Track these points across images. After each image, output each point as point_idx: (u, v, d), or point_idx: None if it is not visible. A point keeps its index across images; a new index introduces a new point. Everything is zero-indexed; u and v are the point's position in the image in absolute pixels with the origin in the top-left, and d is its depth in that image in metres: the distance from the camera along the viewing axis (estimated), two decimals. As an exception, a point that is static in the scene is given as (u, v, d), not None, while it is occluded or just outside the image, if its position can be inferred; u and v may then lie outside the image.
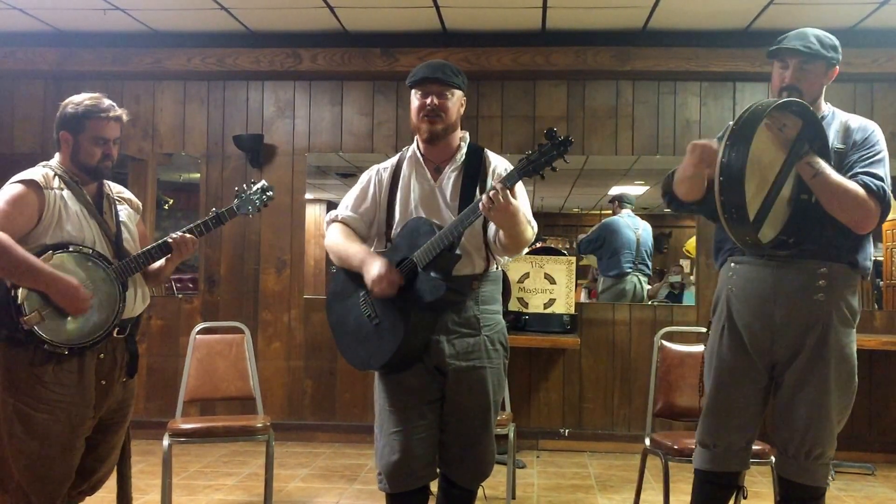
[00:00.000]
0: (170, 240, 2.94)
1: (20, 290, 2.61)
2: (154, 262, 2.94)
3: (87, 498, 2.99)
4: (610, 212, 7.03)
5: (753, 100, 2.67)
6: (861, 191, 2.54)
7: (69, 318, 2.68)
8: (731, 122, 2.48)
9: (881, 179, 2.58)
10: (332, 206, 8.60)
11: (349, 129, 5.97)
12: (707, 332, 2.91)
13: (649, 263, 6.45)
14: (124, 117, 2.87)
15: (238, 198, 3.16)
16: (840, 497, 4.64)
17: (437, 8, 5.19)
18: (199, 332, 4.41)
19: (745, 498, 2.90)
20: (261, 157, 5.94)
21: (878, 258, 7.57)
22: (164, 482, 3.88)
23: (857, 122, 2.73)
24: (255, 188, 3.18)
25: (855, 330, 2.71)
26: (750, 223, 2.45)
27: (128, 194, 3.08)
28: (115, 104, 2.86)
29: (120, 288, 2.78)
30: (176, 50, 5.82)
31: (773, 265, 2.68)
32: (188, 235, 2.98)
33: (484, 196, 2.46)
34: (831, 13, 5.14)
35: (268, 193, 3.21)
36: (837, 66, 2.73)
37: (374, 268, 2.64)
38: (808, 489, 2.69)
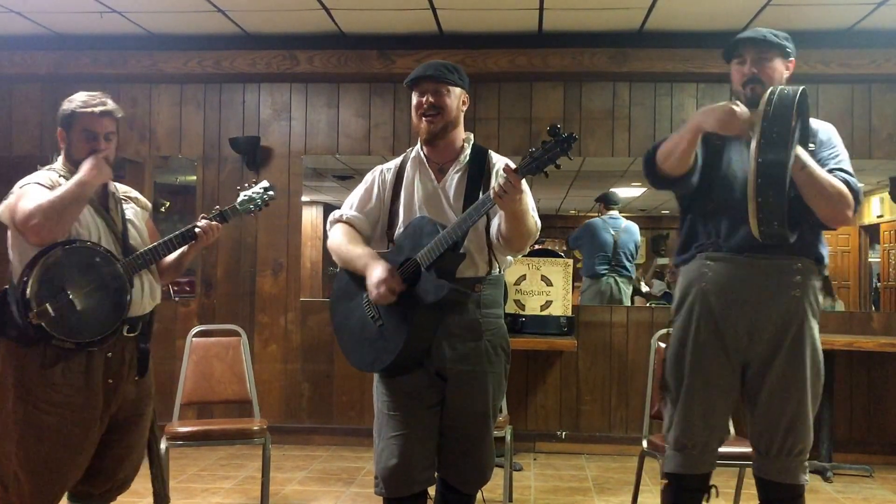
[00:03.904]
0: (198, 228, 2.95)
1: (28, 287, 2.59)
2: (173, 251, 2.93)
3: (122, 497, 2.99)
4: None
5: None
6: (843, 186, 2.60)
7: (78, 309, 2.65)
8: (763, 106, 2.48)
9: (853, 176, 2.67)
10: (328, 208, 8.55)
11: (346, 131, 5.96)
12: (668, 332, 2.90)
13: (628, 265, 6.42)
14: (117, 113, 2.84)
15: (240, 196, 3.15)
16: (838, 499, 4.64)
17: (434, 10, 5.19)
18: (195, 335, 4.41)
19: (717, 496, 2.90)
20: (257, 159, 5.94)
21: (876, 260, 7.57)
22: (160, 486, 3.87)
23: (817, 123, 2.80)
24: (256, 187, 3.17)
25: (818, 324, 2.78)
26: (784, 209, 2.44)
27: (134, 194, 3.08)
28: (108, 100, 2.84)
29: (127, 285, 2.76)
30: (172, 52, 5.82)
31: (754, 261, 2.69)
32: (213, 222, 2.99)
33: (496, 184, 2.45)
34: (829, 14, 5.14)
35: (269, 193, 3.19)
36: (793, 59, 2.80)
37: (376, 273, 2.62)
38: (792, 488, 2.72)
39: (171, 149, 6.11)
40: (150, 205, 3.14)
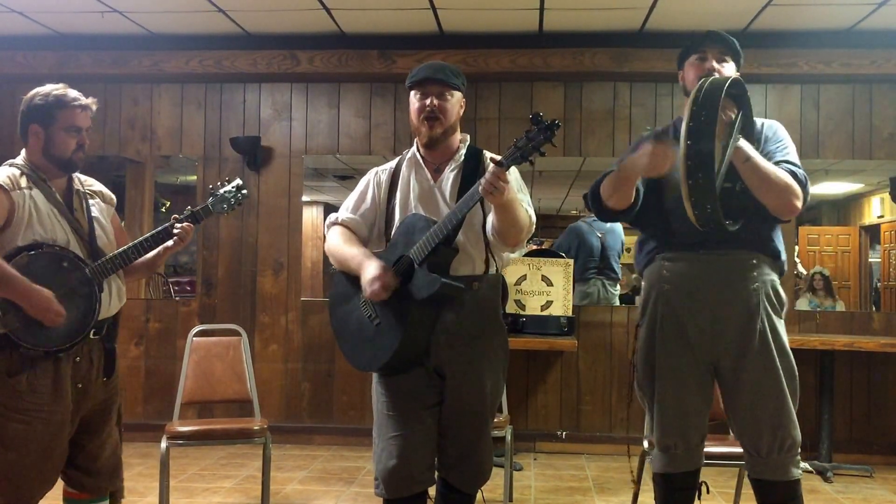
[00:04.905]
0: (175, 232, 2.89)
1: None
2: (144, 254, 2.87)
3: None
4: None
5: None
6: (788, 176, 2.61)
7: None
8: (693, 94, 2.50)
9: (801, 167, 2.67)
10: (329, 208, 8.59)
11: (346, 131, 5.97)
12: (636, 335, 2.91)
13: (615, 267, 6.40)
14: (93, 106, 2.81)
15: (213, 196, 3.09)
16: (838, 499, 4.64)
17: (434, 10, 5.19)
18: (196, 335, 4.40)
19: (707, 493, 2.91)
20: (258, 159, 5.94)
21: (876, 260, 7.58)
22: (161, 485, 3.88)
23: (762, 121, 2.82)
24: (229, 186, 3.11)
25: (784, 321, 2.77)
26: (715, 191, 2.44)
27: (99, 187, 3.00)
28: (80, 94, 2.81)
29: (96, 290, 2.73)
30: (174, 52, 5.82)
31: (710, 257, 2.70)
32: (186, 224, 2.93)
33: (483, 180, 2.44)
34: (829, 14, 5.14)
35: (243, 192, 3.13)
36: (739, 73, 2.81)
37: (369, 270, 2.62)
38: (787, 485, 2.71)
39: (172, 148, 6.12)
40: (114, 199, 3.06)
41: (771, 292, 2.72)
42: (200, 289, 6.05)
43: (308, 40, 5.74)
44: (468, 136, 2.90)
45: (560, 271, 5.42)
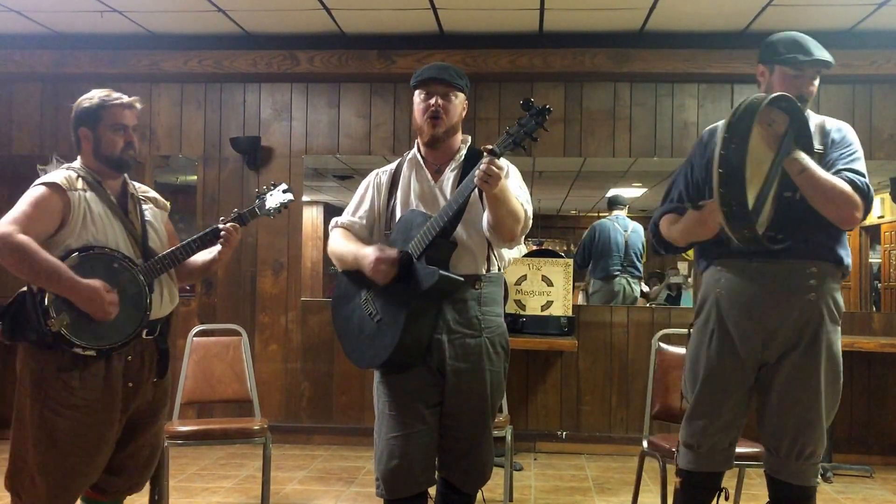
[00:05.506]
0: (222, 232, 2.92)
1: (47, 294, 2.59)
2: (192, 255, 2.90)
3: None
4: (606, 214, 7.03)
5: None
6: (847, 186, 2.57)
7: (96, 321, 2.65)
8: (728, 117, 2.49)
9: (863, 175, 2.63)
10: (329, 207, 8.60)
11: (346, 131, 5.96)
12: (689, 334, 2.91)
13: (638, 265, 6.46)
14: (137, 105, 2.86)
15: (259, 199, 3.15)
16: (838, 499, 4.64)
17: (435, 10, 5.19)
18: (196, 335, 4.40)
19: (726, 499, 2.90)
20: (258, 159, 5.94)
21: (876, 260, 7.58)
22: (161, 485, 3.87)
23: (832, 123, 2.80)
24: (276, 190, 3.18)
25: (840, 328, 2.74)
26: (749, 216, 2.44)
27: (153, 193, 3.06)
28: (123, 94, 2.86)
29: (146, 290, 2.76)
30: (173, 52, 5.81)
31: (764, 266, 2.68)
32: (231, 225, 2.96)
33: (478, 171, 2.46)
34: (830, 14, 5.13)
35: (289, 195, 3.20)
36: None
37: (368, 256, 2.66)
38: (800, 489, 2.72)
39: (172, 148, 6.11)
40: (168, 205, 3.12)
41: (830, 301, 2.69)
42: (200, 288, 6.04)
43: (308, 40, 5.74)
44: (469, 138, 2.92)
45: (560, 271, 5.42)
